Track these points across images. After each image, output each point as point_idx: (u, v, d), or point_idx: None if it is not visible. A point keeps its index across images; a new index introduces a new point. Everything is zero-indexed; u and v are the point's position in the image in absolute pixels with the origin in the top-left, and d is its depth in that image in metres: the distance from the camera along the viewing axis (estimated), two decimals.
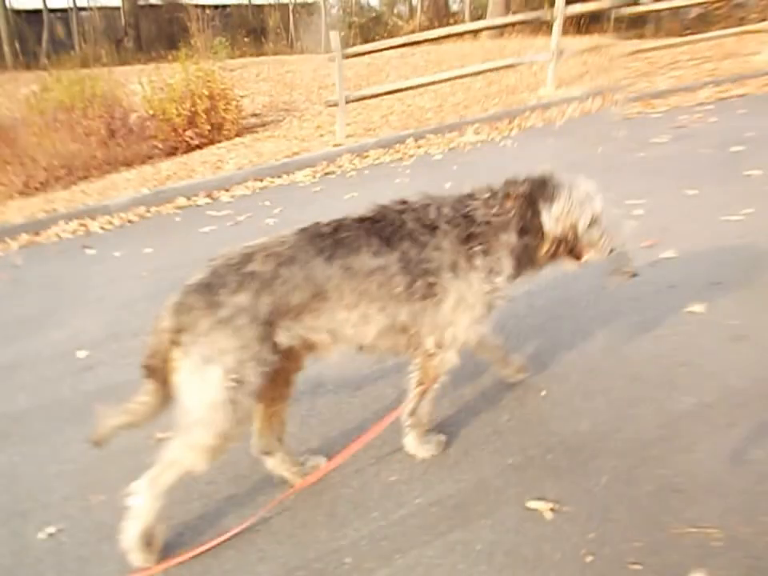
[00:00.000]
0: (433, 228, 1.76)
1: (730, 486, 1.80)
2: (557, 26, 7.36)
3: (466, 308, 1.79)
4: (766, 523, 1.67)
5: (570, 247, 1.89)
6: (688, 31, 12.78)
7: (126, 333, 3.24)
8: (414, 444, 2.04)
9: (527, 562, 1.62)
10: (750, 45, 10.13)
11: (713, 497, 1.77)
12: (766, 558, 1.57)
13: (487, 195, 1.86)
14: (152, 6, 19.59)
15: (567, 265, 1.96)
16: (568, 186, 1.84)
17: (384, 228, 1.74)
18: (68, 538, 1.90)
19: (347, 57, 6.49)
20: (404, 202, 1.83)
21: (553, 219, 1.82)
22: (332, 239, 1.70)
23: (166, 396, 1.75)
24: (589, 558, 1.60)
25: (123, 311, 3.53)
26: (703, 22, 14.44)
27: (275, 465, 1.97)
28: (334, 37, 6.31)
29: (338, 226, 1.73)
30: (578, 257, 1.93)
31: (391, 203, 1.83)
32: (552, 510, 1.75)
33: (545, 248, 1.87)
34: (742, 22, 10.30)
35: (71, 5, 18.39)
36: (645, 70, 8.99)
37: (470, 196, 1.87)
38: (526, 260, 1.90)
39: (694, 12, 14.80)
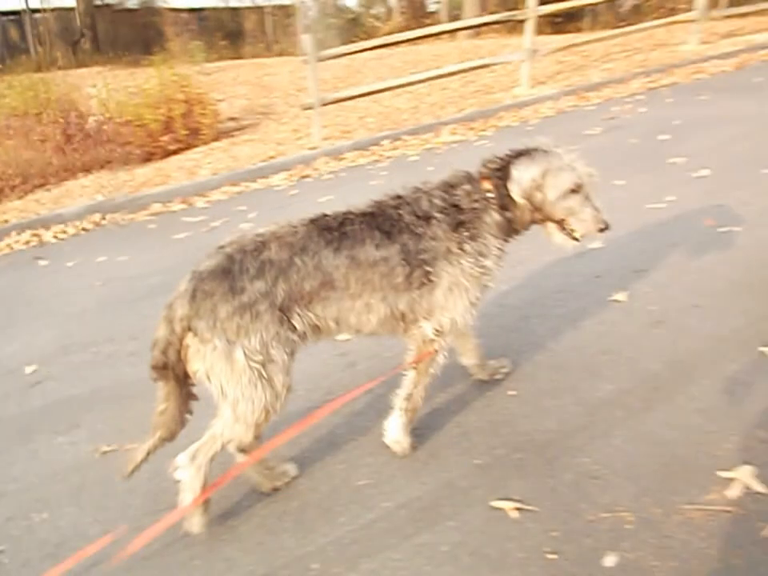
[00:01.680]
0: (427, 218, 1.84)
1: (643, 469, 1.86)
2: (529, 26, 7.41)
3: (461, 292, 1.87)
4: (676, 503, 1.72)
5: (545, 214, 1.91)
6: (623, 23, 13.02)
7: (76, 346, 3.19)
8: (397, 431, 2.03)
9: (491, 561, 1.63)
10: (678, 34, 10.37)
11: (627, 481, 1.82)
12: (676, 536, 1.62)
13: (466, 180, 1.93)
14: (108, 6, 19.16)
15: (560, 238, 1.96)
16: (542, 154, 1.89)
17: (384, 222, 1.82)
18: (9, 559, 1.87)
19: (321, 60, 6.49)
20: (398, 197, 1.90)
21: (515, 183, 1.87)
22: (338, 232, 1.78)
23: (183, 397, 1.78)
24: (552, 556, 1.62)
25: (74, 323, 3.47)
26: (637, 13, 14.72)
27: None
28: (307, 40, 6.31)
29: (343, 220, 1.81)
30: (563, 227, 1.94)
31: (387, 198, 1.91)
32: (517, 509, 1.77)
33: (517, 212, 1.91)
34: (672, 12, 10.51)
35: (24, 7, 17.85)
36: (579, 64, 9.14)
37: (452, 184, 1.92)
38: (511, 231, 1.97)
39: (629, 4, 15.06)
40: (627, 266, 3.14)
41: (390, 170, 5.74)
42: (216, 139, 8.47)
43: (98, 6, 18.71)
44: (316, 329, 1.81)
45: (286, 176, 6.02)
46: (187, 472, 1.77)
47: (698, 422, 2.02)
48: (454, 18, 16.78)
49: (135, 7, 19.15)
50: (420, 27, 14.73)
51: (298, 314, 1.73)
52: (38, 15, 18.04)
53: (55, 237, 5.21)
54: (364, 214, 1.84)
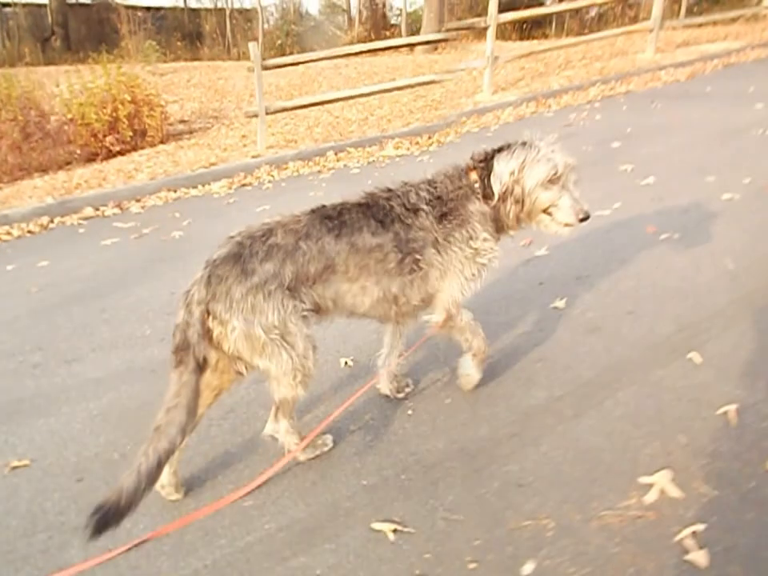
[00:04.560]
0: (416, 210, 1.98)
1: (568, 476, 1.90)
2: (490, 33, 7.55)
3: (455, 274, 2.04)
4: (596, 509, 1.76)
5: (528, 207, 2.00)
6: (586, 30, 13.59)
7: (1, 354, 3.08)
8: (469, 366, 2.29)
9: None
10: (638, 43, 10.84)
11: (552, 488, 1.86)
12: (593, 542, 1.66)
13: (455, 172, 2.08)
14: (81, 4, 18.81)
15: (553, 227, 2.05)
16: (520, 148, 1.99)
17: (377, 212, 1.96)
18: None
19: (267, 68, 6.46)
20: (389, 190, 2.05)
21: (496, 178, 2.00)
22: (338, 220, 1.91)
23: (195, 397, 1.75)
24: (473, 565, 1.63)
25: (2, 330, 3.36)
26: (601, 22, 15.38)
27: None
28: (253, 48, 6.27)
29: (341, 210, 1.94)
30: (549, 215, 2.03)
31: (378, 191, 2.04)
32: (395, 531, 1.78)
33: (494, 203, 2.02)
34: (634, 20, 11.01)
35: None
36: (541, 71, 9.45)
37: (437, 178, 2.07)
38: (499, 225, 2.09)
39: (594, 11, 15.74)
40: (570, 273, 3.22)
41: (330, 181, 5.75)
42: (163, 142, 8.31)
43: (71, 5, 18.20)
44: (317, 307, 1.92)
45: (226, 183, 5.95)
46: (280, 435, 2.03)
47: (624, 427, 2.08)
48: (415, 31, 17.00)
49: (89, 2, 18.66)
50: (380, 39, 14.90)
51: (304, 293, 1.84)
52: (8, 9, 17.42)
53: None
54: (359, 205, 1.97)
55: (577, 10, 14.90)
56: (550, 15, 15.60)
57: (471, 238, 2.02)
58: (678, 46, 10.86)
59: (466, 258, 2.03)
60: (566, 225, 2.03)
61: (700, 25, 12.37)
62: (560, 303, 2.92)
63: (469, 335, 2.23)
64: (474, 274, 2.08)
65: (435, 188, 2.04)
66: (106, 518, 1.55)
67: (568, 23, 16.83)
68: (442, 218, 2.00)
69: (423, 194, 2.02)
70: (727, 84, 7.61)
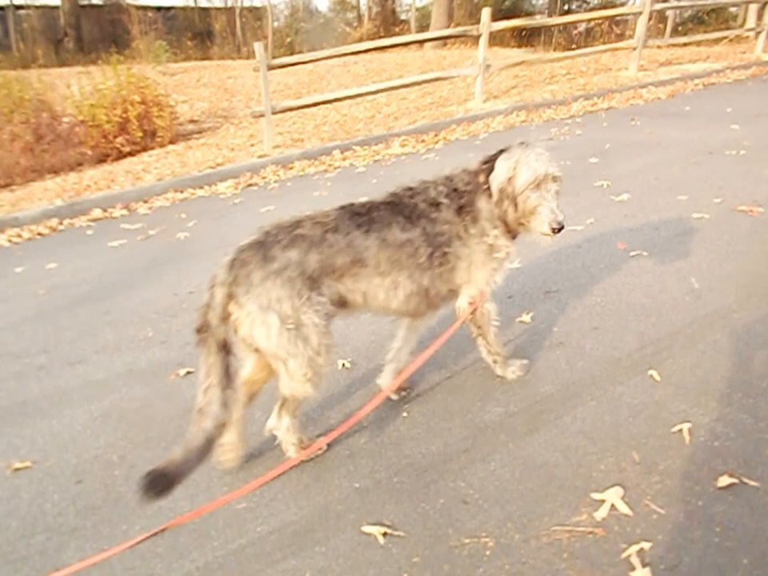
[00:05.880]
0: (437, 205, 2.06)
1: (514, 493, 1.88)
2: (483, 41, 7.52)
3: (479, 266, 2.12)
4: (537, 527, 1.75)
5: (516, 205, 2.05)
6: (574, 45, 13.49)
7: (8, 356, 3.14)
8: (501, 371, 2.42)
9: None
10: (622, 60, 10.77)
11: (496, 506, 1.85)
12: (531, 561, 1.65)
13: (465, 172, 2.16)
14: (93, 6, 19.01)
15: (533, 232, 2.11)
16: (516, 149, 2.07)
17: (403, 209, 2.02)
18: None
19: (272, 68, 6.48)
20: (410, 188, 2.12)
21: (495, 178, 2.06)
22: (367, 217, 1.96)
23: (225, 374, 1.80)
24: None
25: (8, 332, 3.41)
26: (589, 37, 15.26)
27: None
28: (258, 48, 6.29)
29: (370, 207, 2.01)
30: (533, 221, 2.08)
31: (401, 190, 2.11)
32: (385, 534, 1.79)
33: (495, 203, 2.08)
34: (619, 38, 10.93)
35: (8, 2, 17.55)
36: (535, 80, 9.39)
37: (453, 175, 2.16)
38: (506, 225, 2.13)
39: (582, 27, 15.64)
40: (539, 287, 3.21)
41: (336, 180, 5.76)
42: (173, 142, 8.40)
43: (83, 6, 18.41)
44: (343, 301, 1.95)
45: (233, 184, 5.99)
46: (280, 432, 2.05)
47: (581, 443, 2.07)
48: (425, 27, 16.92)
49: (101, 3, 18.82)
50: (389, 35, 14.89)
51: (326, 286, 1.87)
52: (21, 12, 17.66)
53: (9, 240, 5.11)
54: (386, 203, 2.03)
55: (565, 25, 14.80)
56: (542, 26, 15.51)
57: (484, 233, 2.09)
58: (661, 64, 10.81)
59: (484, 252, 2.10)
60: (543, 233, 2.07)
61: (684, 44, 12.32)
62: (527, 317, 2.89)
63: (485, 326, 2.31)
64: (495, 268, 2.15)
65: (452, 181, 2.12)
66: (155, 481, 1.71)
67: (556, 37, 16.73)
68: (460, 210, 2.07)
69: (441, 188, 2.09)
70: (706, 104, 7.53)
